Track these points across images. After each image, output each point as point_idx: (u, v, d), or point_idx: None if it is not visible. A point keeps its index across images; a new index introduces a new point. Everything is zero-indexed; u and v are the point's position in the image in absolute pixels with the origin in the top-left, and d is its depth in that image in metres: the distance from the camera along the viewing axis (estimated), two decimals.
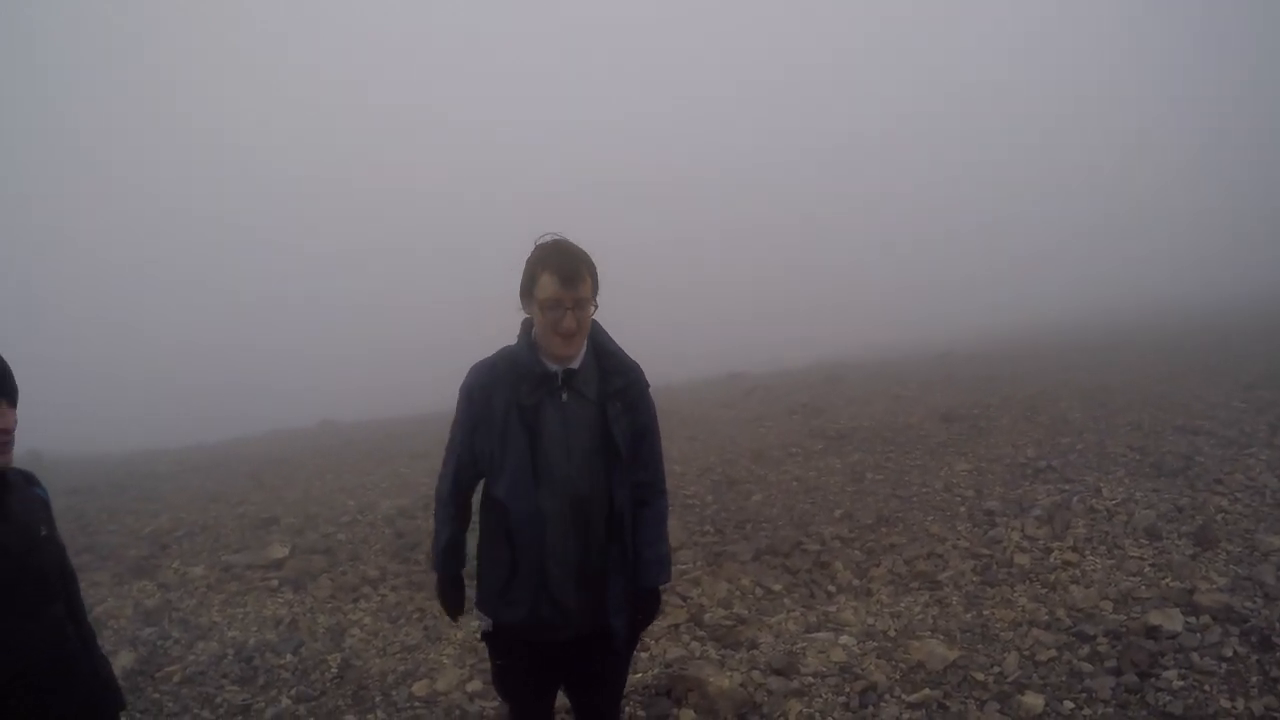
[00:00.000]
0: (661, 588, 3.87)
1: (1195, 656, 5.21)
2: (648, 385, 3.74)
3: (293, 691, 6.18)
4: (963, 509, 8.45)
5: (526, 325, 3.62)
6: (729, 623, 6.67)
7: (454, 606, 3.88)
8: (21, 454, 2.99)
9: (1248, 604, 5.77)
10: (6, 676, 2.78)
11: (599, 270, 3.55)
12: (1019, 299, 40.43)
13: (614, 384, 3.60)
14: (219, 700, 6.12)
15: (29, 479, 3.14)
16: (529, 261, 3.52)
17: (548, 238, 3.54)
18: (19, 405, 2.98)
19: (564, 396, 3.52)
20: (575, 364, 3.54)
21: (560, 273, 3.40)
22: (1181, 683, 4.99)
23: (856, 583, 7.26)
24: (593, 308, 3.52)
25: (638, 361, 3.74)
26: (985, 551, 7.38)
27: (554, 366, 3.52)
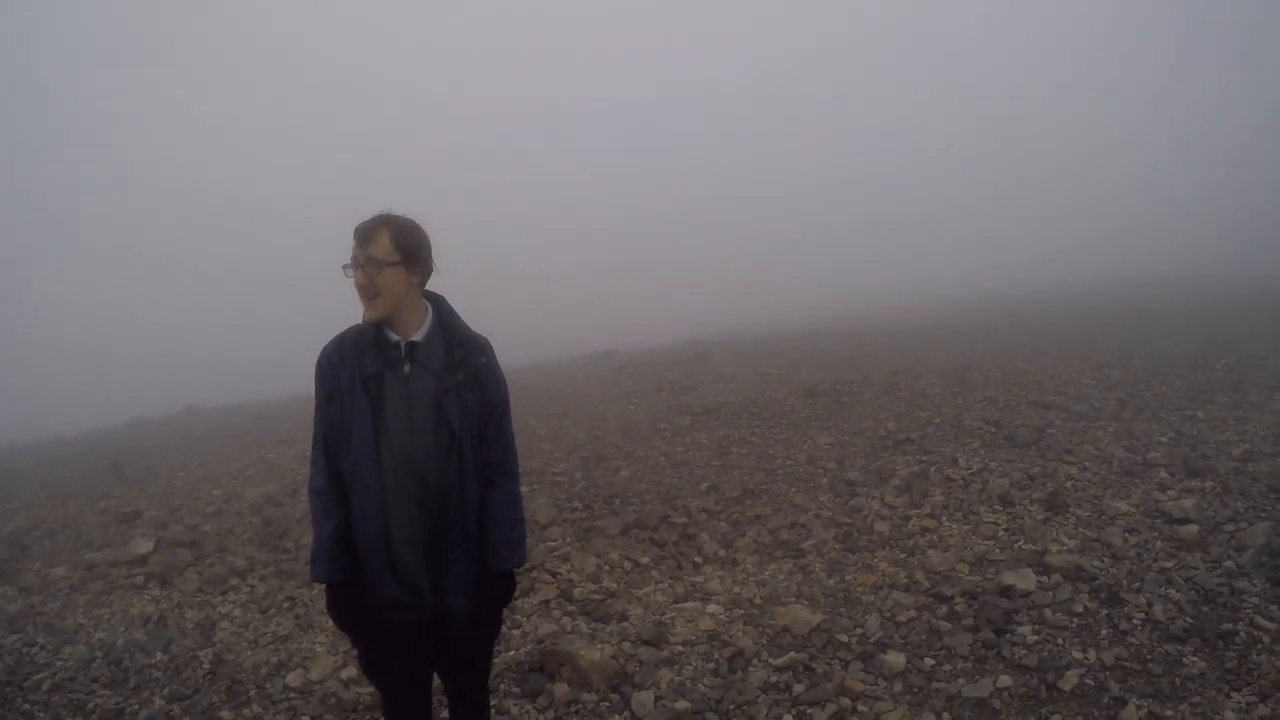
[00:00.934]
0: (516, 570, 3.81)
1: (1048, 613, 5.42)
2: (492, 357, 3.73)
3: (165, 691, 5.96)
4: (825, 480, 8.61)
5: None
6: (599, 597, 6.67)
7: (353, 621, 3.64)
8: None
9: (1096, 563, 6.03)
10: None
11: (431, 248, 3.62)
12: (903, 285, 41.26)
13: (456, 355, 3.60)
14: (90, 706, 5.86)
15: None
16: None
17: None
18: None
19: (406, 368, 3.52)
20: (418, 336, 3.56)
21: (356, 233, 3.48)
22: (1035, 637, 5.18)
23: (723, 553, 7.33)
24: (401, 273, 3.48)
25: (487, 337, 3.76)
26: (847, 520, 7.53)
27: (396, 337, 3.53)
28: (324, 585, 3.62)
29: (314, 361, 3.60)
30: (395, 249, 3.45)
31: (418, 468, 3.48)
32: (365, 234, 3.44)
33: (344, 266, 3.44)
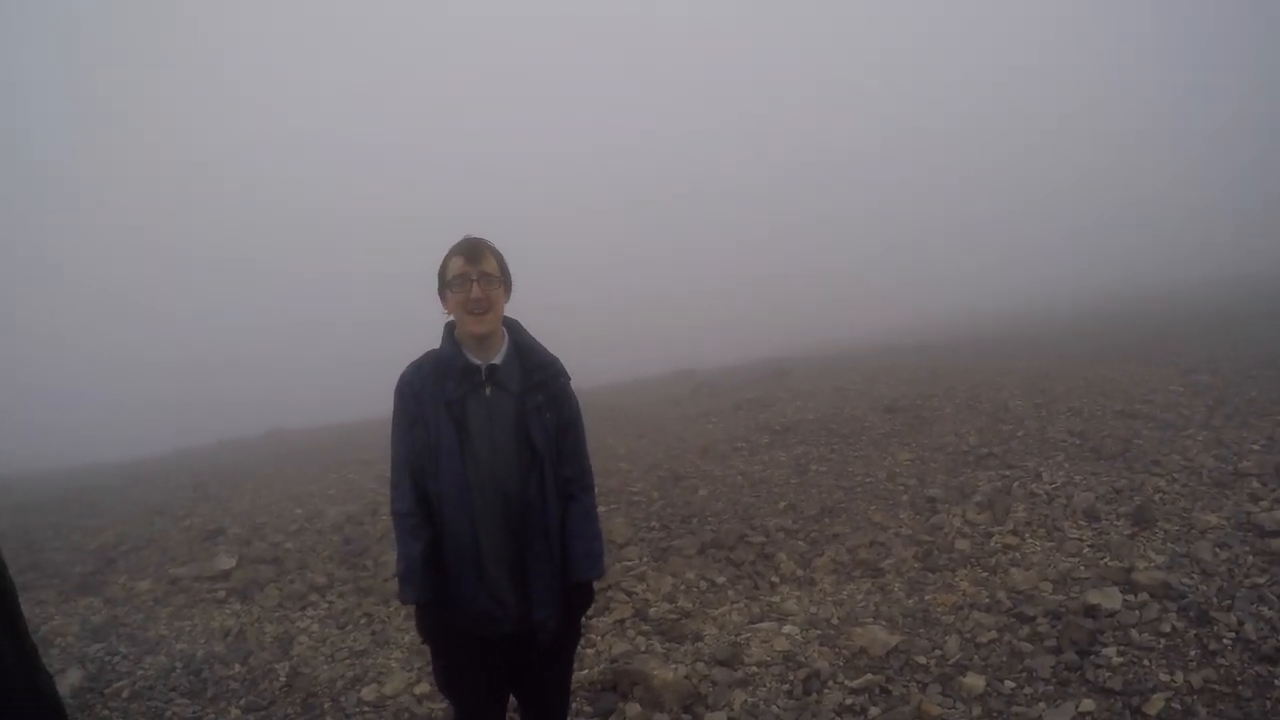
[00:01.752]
0: (595, 582, 3.89)
1: (1134, 633, 5.26)
2: (568, 378, 3.83)
3: (242, 702, 6.10)
4: (905, 497, 8.48)
5: (449, 327, 3.74)
6: (674, 616, 6.65)
7: (443, 637, 3.68)
8: None
9: (1185, 580, 5.84)
10: None
11: (512, 273, 3.78)
12: (973, 297, 40.77)
13: (535, 377, 3.70)
14: (168, 714, 6.02)
15: None
16: (441, 263, 3.71)
17: None
18: None
19: (488, 391, 3.61)
20: (498, 359, 3.66)
21: (463, 251, 3.62)
22: (1121, 659, 5.03)
23: (800, 573, 7.25)
24: (503, 292, 3.68)
25: (558, 357, 3.86)
26: (927, 538, 7.40)
27: (477, 361, 3.62)
28: (414, 605, 3.65)
29: (391, 384, 3.67)
30: (499, 269, 3.65)
31: (502, 486, 3.57)
32: (476, 251, 3.62)
33: (451, 282, 3.59)
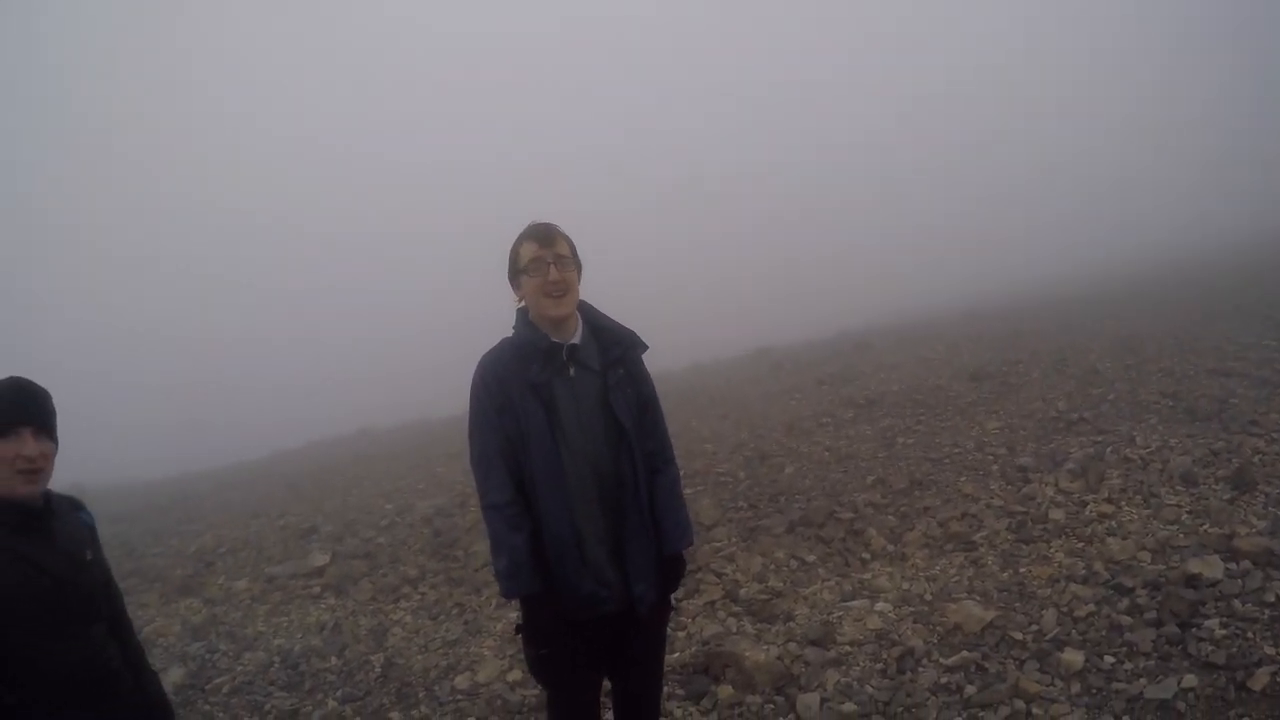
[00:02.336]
0: (685, 553, 3.89)
1: (1237, 604, 5.11)
2: (645, 348, 3.83)
3: (338, 693, 6.25)
4: (995, 467, 8.36)
5: (522, 313, 3.73)
6: (764, 596, 6.63)
7: (553, 626, 3.58)
8: (62, 486, 3.07)
9: None
10: (50, 694, 2.89)
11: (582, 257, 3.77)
12: (1041, 259, 40.00)
13: (613, 353, 3.71)
14: (268, 707, 6.20)
15: (75, 505, 3.27)
16: (511, 249, 3.72)
17: None
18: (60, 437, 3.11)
19: (571, 371, 3.61)
20: (576, 338, 3.66)
21: (536, 236, 3.64)
22: (1224, 631, 4.89)
23: (891, 548, 7.19)
24: (576, 274, 3.69)
25: (634, 330, 3.86)
26: (1020, 509, 7.28)
27: (557, 340, 3.62)
28: (522, 599, 3.61)
29: (463, 374, 3.68)
30: (571, 251, 3.68)
31: (595, 465, 3.58)
32: (548, 235, 3.64)
33: (527, 267, 3.60)
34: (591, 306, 3.81)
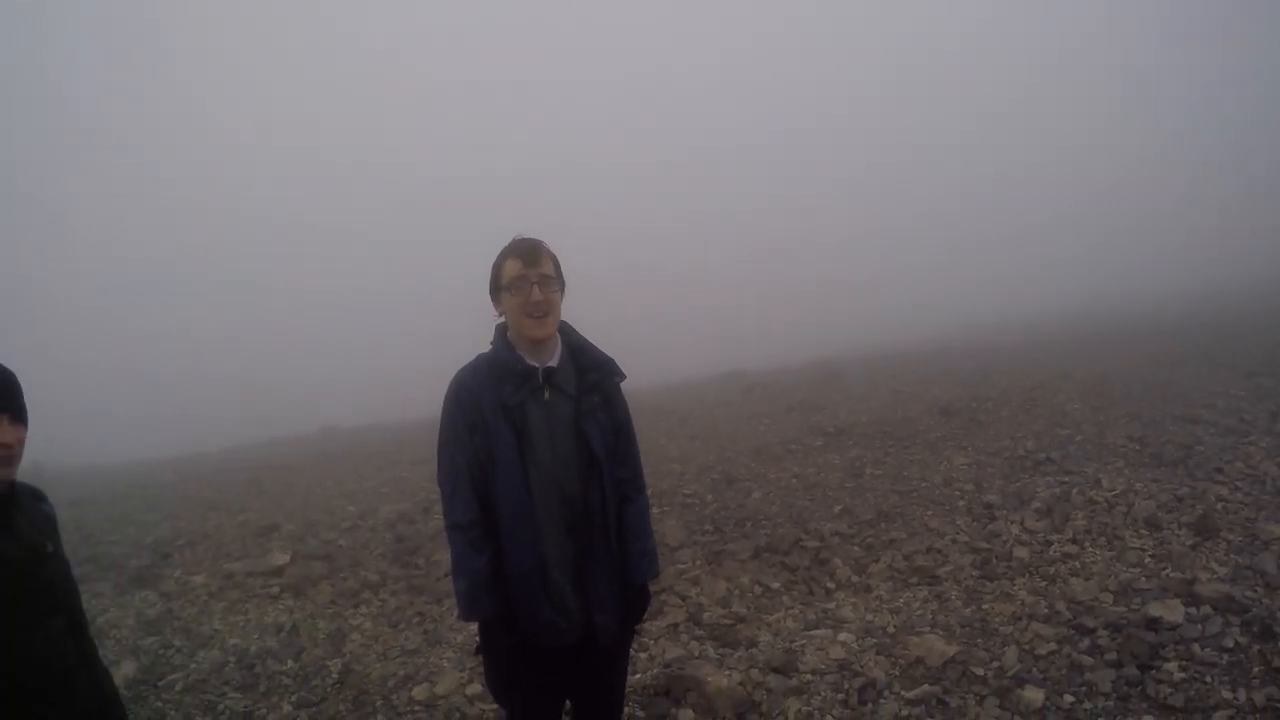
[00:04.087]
0: (650, 584, 3.87)
1: (1196, 648, 5.16)
2: (622, 378, 3.78)
3: (294, 697, 6.18)
4: (962, 503, 8.41)
5: (500, 329, 3.69)
6: (728, 621, 6.64)
7: (513, 651, 3.57)
8: (23, 466, 3.03)
9: (1249, 593, 5.73)
10: (6, 688, 2.81)
11: (565, 273, 3.72)
12: (1016, 296, 40.33)
13: (590, 379, 3.66)
14: (221, 707, 6.12)
15: (37, 496, 3.20)
16: (493, 264, 3.66)
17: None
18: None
19: (546, 394, 3.56)
20: (554, 361, 3.61)
21: (520, 254, 3.57)
22: (1182, 674, 4.93)
23: (856, 579, 7.21)
24: (559, 294, 3.63)
25: (614, 358, 3.80)
26: (985, 545, 7.32)
27: (534, 364, 3.57)
28: (479, 622, 3.59)
29: (436, 382, 3.65)
30: (555, 271, 3.61)
31: (564, 491, 3.53)
32: (533, 253, 3.57)
33: (509, 285, 3.54)
34: (572, 328, 3.77)
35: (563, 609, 3.53)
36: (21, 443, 2.97)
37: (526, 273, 3.51)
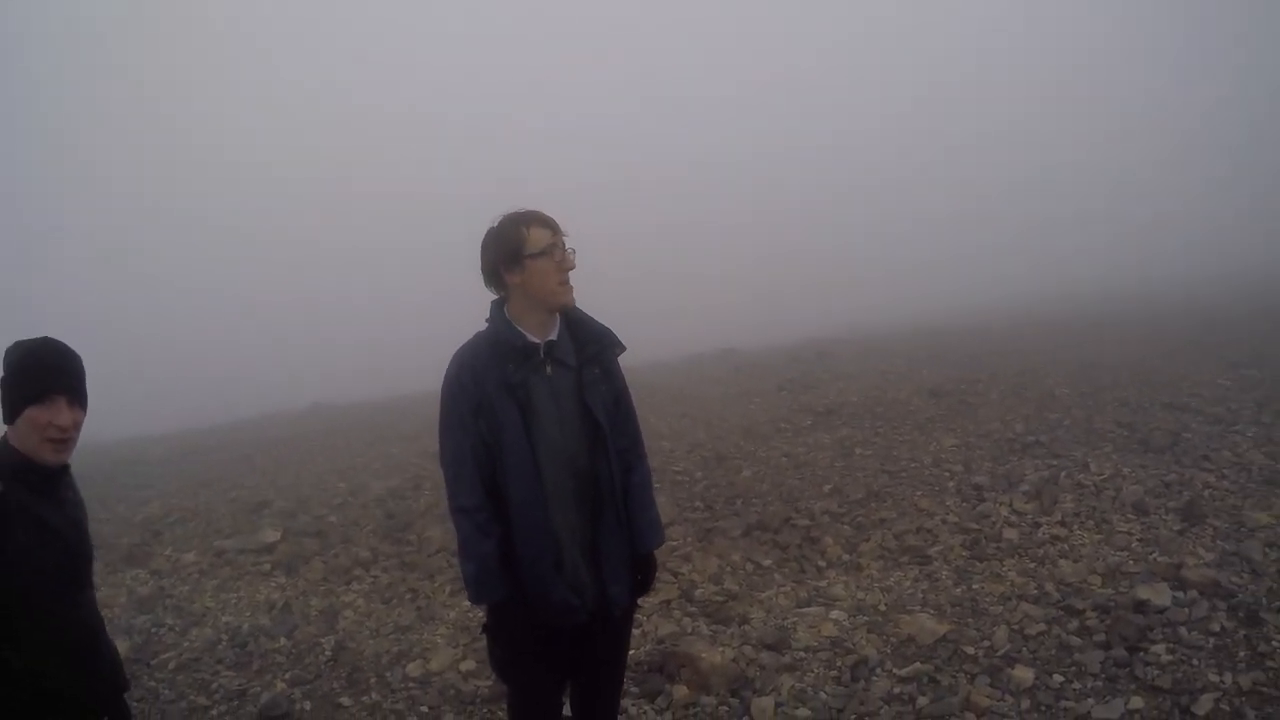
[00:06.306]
0: (655, 551, 3.90)
1: (1183, 631, 5.25)
2: (622, 348, 3.75)
3: (287, 675, 6.22)
4: (951, 484, 8.48)
5: (497, 305, 3.62)
6: (720, 598, 6.69)
7: (523, 634, 3.57)
8: None
9: (1235, 579, 5.82)
10: (53, 657, 2.94)
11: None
12: (1007, 279, 40.27)
13: (589, 350, 3.64)
14: (214, 685, 6.15)
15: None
16: (500, 234, 3.52)
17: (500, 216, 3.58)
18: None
19: (548, 368, 3.54)
20: (554, 334, 3.58)
21: (545, 221, 3.51)
22: (1169, 656, 5.02)
23: (846, 558, 7.27)
24: None
25: (611, 328, 3.77)
26: (974, 526, 7.40)
27: (535, 339, 3.53)
28: (488, 606, 3.58)
29: (430, 358, 3.64)
30: None
31: (570, 462, 3.52)
32: (556, 222, 3.53)
33: (544, 251, 3.46)
34: None
35: (576, 586, 3.53)
36: (78, 426, 3.00)
37: (557, 239, 3.48)
